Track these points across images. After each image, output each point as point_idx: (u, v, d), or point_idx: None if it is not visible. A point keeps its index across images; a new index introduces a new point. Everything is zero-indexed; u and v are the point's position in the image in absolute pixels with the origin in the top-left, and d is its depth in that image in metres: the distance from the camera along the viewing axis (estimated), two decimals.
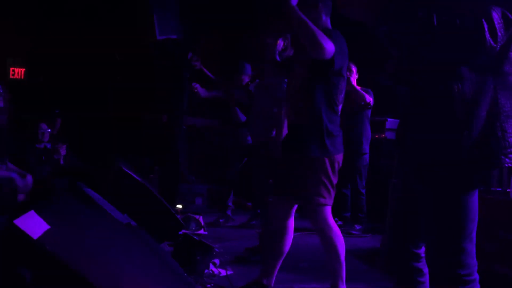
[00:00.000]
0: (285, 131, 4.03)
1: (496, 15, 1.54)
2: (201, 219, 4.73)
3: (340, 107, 3.06)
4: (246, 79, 5.64)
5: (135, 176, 3.10)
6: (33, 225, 1.23)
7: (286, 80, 3.91)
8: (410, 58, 1.76)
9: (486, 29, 1.52)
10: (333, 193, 3.01)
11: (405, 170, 1.90)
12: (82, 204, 1.82)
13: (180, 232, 3.39)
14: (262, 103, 4.35)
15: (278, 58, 3.18)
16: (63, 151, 5.08)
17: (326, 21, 2.99)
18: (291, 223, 3.15)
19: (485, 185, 1.71)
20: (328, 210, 3.01)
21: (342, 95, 3.05)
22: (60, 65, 7.66)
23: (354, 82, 5.49)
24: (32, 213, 1.28)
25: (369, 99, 5.45)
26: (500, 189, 3.62)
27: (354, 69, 5.48)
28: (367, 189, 5.64)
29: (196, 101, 6.64)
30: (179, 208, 5.49)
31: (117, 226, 1.87)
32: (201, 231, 4.54)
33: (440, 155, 1.70)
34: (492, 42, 1.53)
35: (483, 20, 1.52)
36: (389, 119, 6.02)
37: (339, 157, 3.04)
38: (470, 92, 1.63)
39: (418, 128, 1.78)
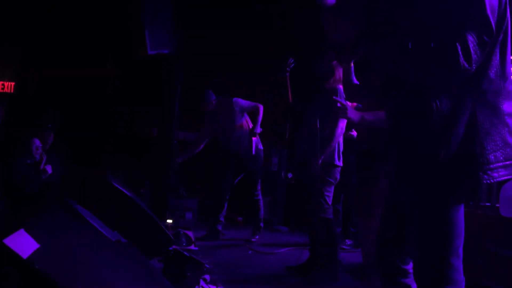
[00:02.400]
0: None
1: (471, 38, 1.57)
2: (191, 234, 4.71)
3: None
4: (211, 106, 5.66)
5: (124, 191, 3.09)
6: (23, 244, 1.23)
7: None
8: (388, 78, 1.80)
9: (460, 52, 1.55)
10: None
11: (392, 184, 1.94)
12: (72, 221, 1.82)
13: (170, 248, 3.37)
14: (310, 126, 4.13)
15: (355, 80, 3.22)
16: (49, 170, 5.01)
17: None
18: None
19: (471, 201, 1.73)
20: None
21: None
22: (51, 78, 7.64)
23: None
24: (22, 232, 1.27)
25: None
26: (489, 204, 3.65)
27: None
28: None
29: (187, 115, 6.66)
30: (169, 223, 5.46)
31: (107, 243, 1.87)
32: (192, 247, 4.51)
33: (422, 171, 1.73)
34: (466, 65, 1.56)
35: (457, 43, 1.55)
36: None
37: None
38: (448, 109, 1.66)
39: (401, 143, 1.82)
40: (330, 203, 4.01)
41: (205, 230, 5.69)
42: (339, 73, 3.93)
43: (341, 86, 3.85)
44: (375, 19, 1.71)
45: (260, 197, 5.63)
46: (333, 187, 4.06)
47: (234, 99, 5.57)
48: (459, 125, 1.66)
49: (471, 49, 1.56)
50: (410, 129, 1.77)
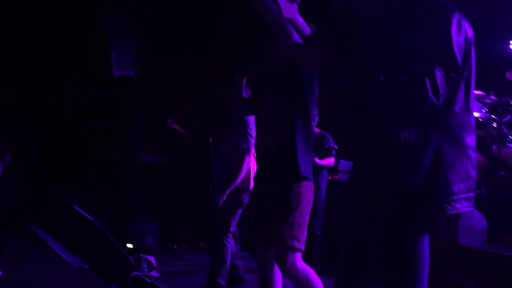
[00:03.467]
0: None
1: (438, 73, 1.63)
2: (153, 260, 4.61)
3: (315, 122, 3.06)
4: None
5: (84, 213, 3.01)
6: None
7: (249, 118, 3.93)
8: (359, 108, 1.85)
9: (429, 87, 1.61)
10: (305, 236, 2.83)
11: (357, 213, 1.96)
12: (34, 246, 1.75)
13: (131, 274, 3.29)
14: (224, 152, 4.22)
15: (244, 94, 3.20)
16: None
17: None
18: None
19: (434, 231, 1.78)
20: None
21: (316, 111, 3.07)
22: (10, 95, 7.44)
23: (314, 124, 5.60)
24: None
25: (331, 161, 5.52)
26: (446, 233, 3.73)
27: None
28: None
29: (151, 138, 6.59)
30: (130, 247, 5.34)
31: (69, 269, 1.81)
32: (153, 273, 4.42)
33: (388, 200, 1.76)
34: (434, 99, 1.62)
35: (425, 78, 1.61)
36: (342, 161, 6.14)
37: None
38: (415, 141, 1.71)
39: (368, 172, 1.85)
40: (233, 227, 4.14)
41: (167, 254, 5.59)
42: None
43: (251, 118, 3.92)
44: (347, 52, 1.76)
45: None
46: (240, 211, 4.13)
47: None
48: (425, 156, 1.71)
49: (439, 84, 1.62)
50: (377, 158, 1.80)
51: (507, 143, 4.41)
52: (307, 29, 1.74)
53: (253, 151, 3.98)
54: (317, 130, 5.62)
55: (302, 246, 2.75)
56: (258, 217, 2.95)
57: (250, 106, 3.21)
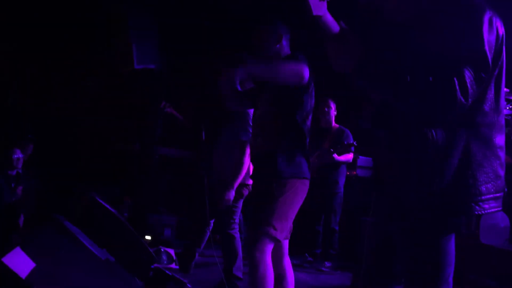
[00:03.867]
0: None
1: (468, 73, 1.61)
2: (172, 252, 4.65)
3: (308, 124, 2.97)
4: None
5: (107, 206, 3.05)
6: (20, 263, 1.20)
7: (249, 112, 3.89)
8: (386, 109, 1.84)
9: (457, 87, 1.59)
10: (287, 228, 2.80)
11: (382, 211, 1.96)
12: (64, 238, 1.79)
13: (152, 266, 3.33)
14: (225, 145, 4.19)
15: (239, 87, 3.14)
16: (19, 192, 4.87)
17: (287, 46, 3.03)
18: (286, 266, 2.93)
19: (462, 231, 1.77)
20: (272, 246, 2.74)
21: (310, 114, 2.98)
22: (31, 89, 7.54)
23: (333, 119, 5.59)
24: (18, 250, 1.25)
25: (350, 157, 5.49)
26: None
27: (332, 106, 5.59)
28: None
29: (171, 131, 6.63)
30: (148, 239, 5.39)
31: (97, 262, 1.84)
32: (173, 265, 4.46)
33: (415, 199, 1.75)
34: (463, 100, 1.60)
35: (454, 78, 1.59)
36: (360, 156, 6.13)
37: (307, 183, 2.88)
38: (443, 140, 1.70)
39: (395, 171, 1.85)
40: (236, 217, 4.16)
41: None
42: None
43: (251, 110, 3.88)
44: (375, 51, 1.75)
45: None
46: (241, 201, 4.16)
47: None
48: (453, 156, 1.70)
49: (468, 84, 1.60)
50: (405, 158, 1.79)
51: None
52: (336, 27, 1.73)
53: None
54: (336, 125, 5.61)
55: (278, 235, 2.69)
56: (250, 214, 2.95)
57: (247, 100, 3.15)
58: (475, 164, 1.71)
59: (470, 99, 1.62)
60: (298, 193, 2.82)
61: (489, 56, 1.65)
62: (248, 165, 4.01)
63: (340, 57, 1.72)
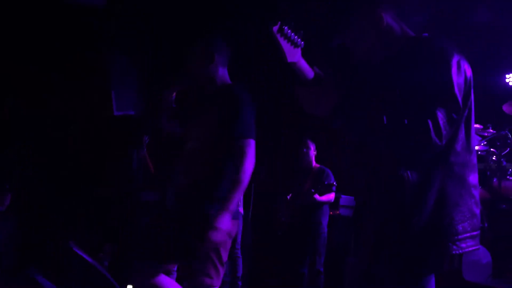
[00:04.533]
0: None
1: (440, 115, 1.65)
2: None
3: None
4: None
5: (85, 256, 2.99)
6: None
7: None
8: (363, 148, 1.86)
9: (431, 128, 1.63)
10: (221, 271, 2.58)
11: (363, 251, 1.95)
12: None
13: None
14: None
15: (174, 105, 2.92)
16: None
17: (224, 73, 2.79)
18: None
19: (439, 271, 1.78)
20: None
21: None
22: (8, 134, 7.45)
23: (313, 159, 5.61)
24: None
25: (332, 197, 5.50)
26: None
27: (311, 146, 5.61)
28: None
29: (152, 175, 6.57)
30: None
31: None
32: None
33: (393, 239, 1.76)
34: (437, 141, 1.64)
35: (428, 120, 1.63)
36: (343, 195, 6.13)
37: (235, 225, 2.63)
38: (419, 181, 1.73)
39: (372, 212, 1.86)
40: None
41: None
42: None
43: None
44: (349, 94, 1.78)
45: (239, 254, 5.51)
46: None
47: None
48: (430, 196, 1.72)
49: (441, 125, 1.64)
50: (383, 198, 1.81)
51: (507, 176, 4.41)
52: (310, 72, 1.76)
53: None
54: (317, 165, 5.63)
55: (214, 282, 2.53)
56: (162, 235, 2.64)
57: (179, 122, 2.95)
58: (451, 204, 1.73)
59: (444, 140, 1.66)
60: (229, 231, 2.58)
61: (459, 98, 1.70)
62: None
63: (316, 101, 1.75)
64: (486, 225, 4.35)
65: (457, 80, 1.70)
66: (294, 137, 5.90)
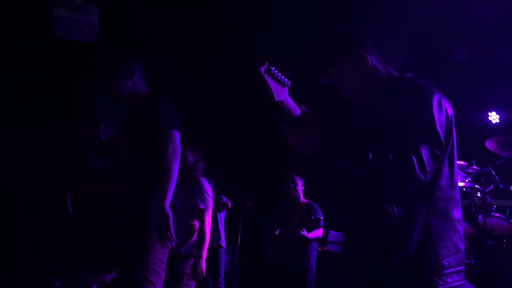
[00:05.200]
0: None
1: (424, 151, 1.70)
2: None
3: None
4: None
5: None
6: None
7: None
8: (348, 183, 1.90)
9: (416, 164, 1.67)
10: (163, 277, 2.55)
11: (348, 284, 1.96)
12: None
13: None
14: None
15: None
16: None
17: (142, 83, 2.90)
18: None
19: None
20: None
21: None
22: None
23: (301, 194, 5.62)
24: None
25: (320, 232, 5.52)
26: None
27: (299, 181, 5.63)
28: None
29: None
30: None
31: None
32: None
33: (377, 274, 1.79)
34: (422, 176, 1.68)
35: (413, 156, 1.68)
36: (331, 231, 6.13)
37: None
38: (404, 216, 1.76)
39: (357, 246, 1.88)
40: None
41: None
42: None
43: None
44: (336, 129, 1.83)
45: (223, 286, 5.44)
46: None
47: None
48: (415, 231, 1.75)
49: (425, 161, 1.68)
50: (367, 234, 1.84)
51: (492, 213, 4.46)
52: (297, 110, 1.81)
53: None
54: (305, 200, 5.64)
55: None
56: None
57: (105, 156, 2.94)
58: (436, 239, 1.76)
59: (428, 175, 1.70)
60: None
61: (441, 135, 1.75)
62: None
63: (302, 139, 1.79)
64: (472, 261, 4.37)
65: (439, 117, 1.76)
66: (282, 171, 5.91)
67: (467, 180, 4.65)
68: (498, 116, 6.58)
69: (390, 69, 2.02)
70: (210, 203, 4.06)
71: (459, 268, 1.79)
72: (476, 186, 4.63)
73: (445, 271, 1.74)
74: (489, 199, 4.50)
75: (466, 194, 4.63)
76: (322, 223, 5.45)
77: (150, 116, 2.62)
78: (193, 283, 4.00)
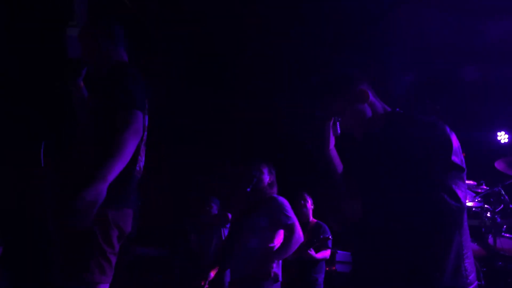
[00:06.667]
0: None
1: (449, 181, 1.79)
2: None
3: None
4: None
5: None
6: None
7: None
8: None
9: (446, 197, 1.76)
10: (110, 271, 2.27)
11: None
12: None
13: None
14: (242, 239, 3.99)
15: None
16: None
17: (121, 52, 2.70)
18: None
19: None
20: None
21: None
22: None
23: (310, 213, 5.61)
24: None
25: (327, 253, 5.50)
26: None
27: (309, 200, 5.62)
28: None
29: (147, 229, 6.53)
30: None
31: None
32: None
33: None
34: (458, 204, 1.78)
35: (440, 192, 1.76)
36: (339, 251, 6.09)
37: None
38: (440, 239, 1.82)
39: (381, 268, 1.90)
40: None
41: None
42: None
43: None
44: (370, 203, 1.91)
45: None
46: None
47: None
48: (451, 252, 1.82)
49: (455, 189, 1.78)
50: (397, 256, 1.86)
51: (502, 233, 4.43)
52: (340, 164, 1.93)
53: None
54: (314, 220, 5.62)
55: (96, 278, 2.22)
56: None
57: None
58: (465, 256, 1.85)
59: (463, 200, 1.81)
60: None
61: (458, 161, 1.84)
62: None
63: (357, 210, 1.88)
64: (483, 282, 4.33)
65: (455, 147, 1.85)
66: (292, 190, 5.92)
67: (476, 200, 4.63)
68: (507, 136, 6.59)
69: (384, 104, 2.09)
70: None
71: (478, 282, 1.88)
72: (485, 206, 4.61)
73: (472, 286, 1.83)
74: (499, 219, 4.48)
75: (476, 214, 4.61)
76: (330, 244, 5.42)
77: (113, 92, 2.38)
78: None
